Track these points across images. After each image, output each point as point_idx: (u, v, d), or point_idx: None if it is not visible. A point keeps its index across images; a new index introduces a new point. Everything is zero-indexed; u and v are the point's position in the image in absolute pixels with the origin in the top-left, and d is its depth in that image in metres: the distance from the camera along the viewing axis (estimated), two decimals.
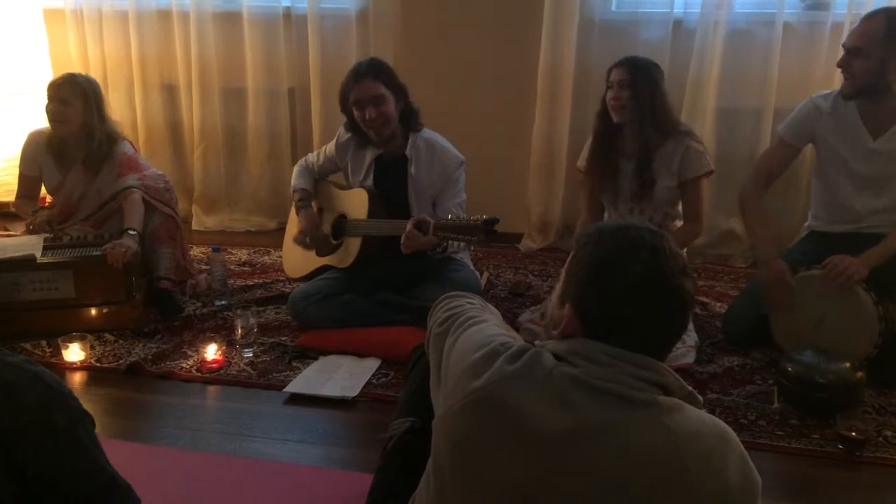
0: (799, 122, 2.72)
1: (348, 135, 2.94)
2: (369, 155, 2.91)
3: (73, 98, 3.02)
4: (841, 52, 2.56)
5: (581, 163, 2.97)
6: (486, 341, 1.22)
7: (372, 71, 2.75)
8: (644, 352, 1.12)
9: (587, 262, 1.16)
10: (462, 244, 2.58)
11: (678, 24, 3.51)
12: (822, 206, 2.78)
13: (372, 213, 2.84)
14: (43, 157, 3.13)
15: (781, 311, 2.59)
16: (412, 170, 2.84)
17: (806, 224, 2.91)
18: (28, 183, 3.20)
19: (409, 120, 2.84)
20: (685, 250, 2.94)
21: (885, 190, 2.60)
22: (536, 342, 1.24)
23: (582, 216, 3.05)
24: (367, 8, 3.76)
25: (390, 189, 2.88)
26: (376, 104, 2.73)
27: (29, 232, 3.04)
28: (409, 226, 2.54)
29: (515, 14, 3.64)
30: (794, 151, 2.78)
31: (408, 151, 2.85)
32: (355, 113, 2.79)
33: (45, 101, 3.03)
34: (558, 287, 1.23)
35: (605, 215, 2.95)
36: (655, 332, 1.14)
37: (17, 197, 3.24)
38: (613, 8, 3.63)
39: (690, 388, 1.16)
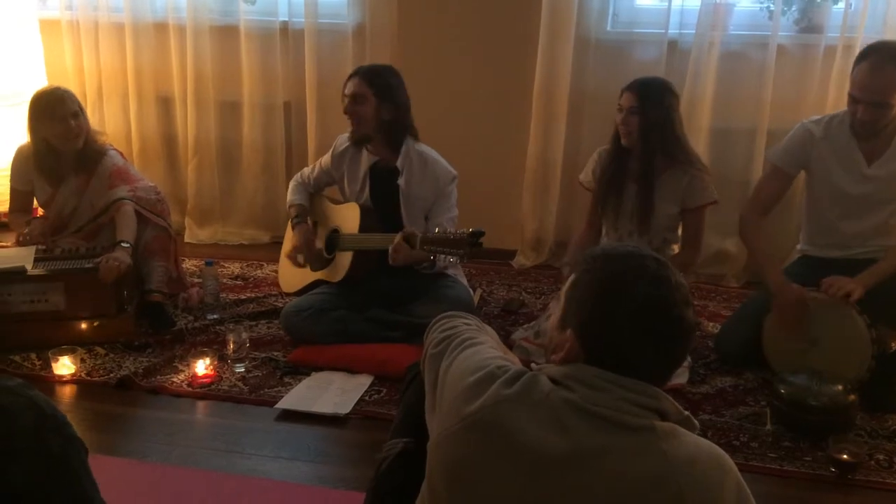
0: (793, 149, 2.72)
1: (345, 144, 2.95)
2: (365, 163, 2.91)
3: (80, 109, 3.02)
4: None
5: (583, 177, 2.96)
6: (482, 364, 1.22)
7: (368, 73, 2.82)
8: (645, 378, 1.11)
9: (591, 287, 1.15)
10: (453, 259, 2.58)
11: (673, 44, 3.52)
12: (813, 231, 2.80)
13: (363, 228, 2.84)
14: (34, 170, 3.10)
15: (795, 329, 2.56)
16: (403, 181, 2.84)
17: (798, 247, 2.93)
18: (20, 197, 3.18)
19: (395, 132, 2.84)
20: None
21: (871, 213, 2.62)
22: (532, 365, 1.23)
23: (581, 228, 3.04)
24: (363, 23, 3.77)
25: (383, 200, 2.89)
26: (354, 101, 2.79)
27: (20, 244, 3.01)
28: (397, 238, 2.56)
29: (511, 32, 3.66)
30: (789, 179, 2.80)
31: (399, 163, 2.85)
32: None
33: (50, 122, 2.94)
34: (558, 310, 1.23)
35: (604, 234, 2.94)
36: (657, 361, 1.14)
37: (11, 211, 3.22)
38: (609, 28, 3.65)
39: (687, 412, 1.16)
